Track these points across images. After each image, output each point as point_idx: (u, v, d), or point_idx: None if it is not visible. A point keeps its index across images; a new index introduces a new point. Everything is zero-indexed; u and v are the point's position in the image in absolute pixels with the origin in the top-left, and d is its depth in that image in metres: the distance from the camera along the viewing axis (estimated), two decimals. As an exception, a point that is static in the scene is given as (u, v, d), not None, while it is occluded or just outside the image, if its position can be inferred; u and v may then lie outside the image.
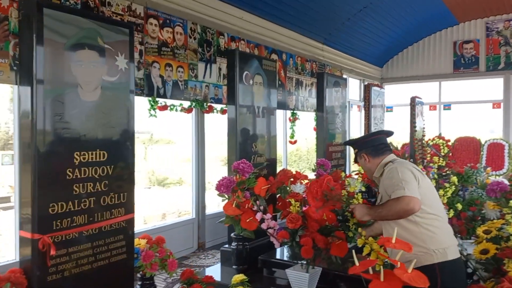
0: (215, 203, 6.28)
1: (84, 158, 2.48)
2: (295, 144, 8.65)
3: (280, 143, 7.98)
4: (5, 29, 3.58)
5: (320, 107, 5.17)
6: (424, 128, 8.82)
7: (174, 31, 5.27)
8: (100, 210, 2.60)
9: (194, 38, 5.59)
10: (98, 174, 2.57)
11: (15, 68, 3.62)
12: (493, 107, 10.60)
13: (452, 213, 3.04)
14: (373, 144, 2.65)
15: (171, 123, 6.68)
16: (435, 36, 10.98)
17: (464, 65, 10.71)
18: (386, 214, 2.34)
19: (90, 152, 2.51)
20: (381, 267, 1.93)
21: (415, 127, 8.29)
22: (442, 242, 2.36)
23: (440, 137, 8.30)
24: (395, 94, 11.84)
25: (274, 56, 7.21)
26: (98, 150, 2.56)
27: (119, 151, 2.71)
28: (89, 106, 2.50)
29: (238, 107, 3.75)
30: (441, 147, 8.22)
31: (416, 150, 8.20)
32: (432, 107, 11.19)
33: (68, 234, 2.42)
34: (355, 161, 2.82)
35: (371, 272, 1.86)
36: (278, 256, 3.80)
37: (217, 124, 5.99)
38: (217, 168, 7.32)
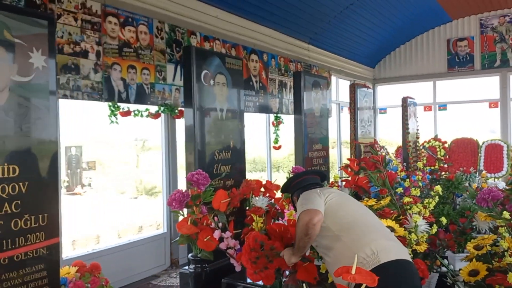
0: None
1: (-14, 174, 2.06)
2: (288, 149, 8.24)
3: (263, 148, 7.57)
4: None
5: (297, 109, 4.74)
6: (418, 129, 8.40)
7: (137, 30, 4.86)
8: (10, 236, 2.16)
9: (162, 38, 5.18)
10: (7, 193, 2.14)
11: None
12: (490, 107, 10.20)
13: (435, 228, 2.61)
14: (303, 185, 2.55)
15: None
16: (428, 34, 10.59)
17: (458, 63, 10.31)
18: (299, 239, 2.23)
19: (-7, 167, 2.09)
20: None
21: (407, 129, 7.87)
22: (369, 244, 1.99)
23: (436, 138, 7.89)
24: (389, 95, 11.45)
25: (254, 57, 6.80)
26: (6, 164, 2.13)
27: (37, 164, 2.29)
28: (-9, 112, 2.08)
29: (195, 110, 3.32)
30: (438, 149, 7.80)
31: (409, 153, 7.77)
32: (427, 107, 10.78)
33: (-36, 267, 1.99)
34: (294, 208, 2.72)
35: None
36: (245, 278, 3.36)
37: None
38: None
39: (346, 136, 9.77)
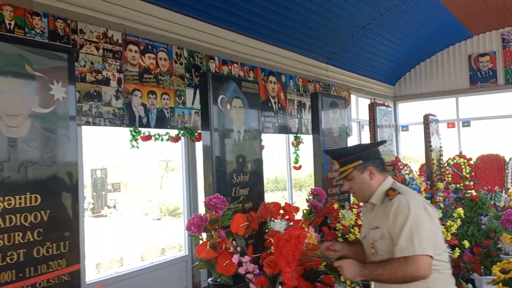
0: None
1: (9, 204, 2.13)
2: (310, 168, 8.18)
3: (283, 169, 7.55)
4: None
5: (315, 129, 4.74)
6: (441, 147, 8.24)
7: (157, 56, 4.99)
8: (33, 263, 2.22)
9: (181, 63, 5.29)
10: (29, 221, 2.21)
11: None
12: (515, 122, 9.96)
13: (457, 252, 2.54)
14: (378, 156, 2.12)
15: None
16: (449, 51, 10.49)
17: (481, 79, 10.14)
18: (388, 279, 1.85)
19: (17, 197, 2.16)
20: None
21: (430, 146, 7.74)
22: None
23: (460, 155, 7.72)
24: (410, 112, 11.32)
25: (272, 79, 6.86)
26: (28, 193, 2.21)
27: (58, 193, 2.35)
28: (14, 143, 2.16)
29: (213, 134, 3.36)
30: (463, 166, 7.62)
31: (433, 171, 7.62)
32: (450, 124, 10.59)
33: (-12, 295, 2.05)
34: (343, 176, 2.12)
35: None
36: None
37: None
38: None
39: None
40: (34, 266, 2.23)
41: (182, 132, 5.21)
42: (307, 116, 7.65)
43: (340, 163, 2.09)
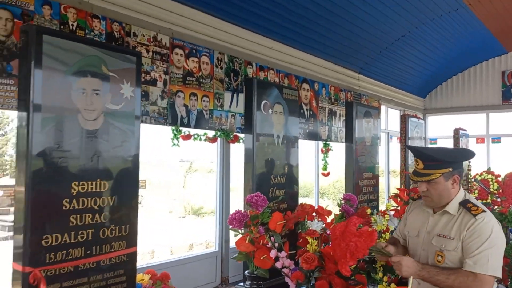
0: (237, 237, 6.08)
1: (82, 189, 2.40)
2: (335, 176, 8.33)
3: (311, 175, 7.72)
4: (29, 59, 3.67)
5: (349, 138, 4.92)
6: (469, 162, 8.26)
7: (200, 60, 5.27)
8: (99, 243, 2.49)
9: (221, 68, 5.56)
10: (98, 205, 2.47)
11: (37, 97, 3.67)
12: (547, 141, 9.87)
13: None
14: (462, 165, 2.09)
15: (210, 152, 6.63)
16: (482, 66, 10.48)
17: (514, 96, 10.11)
18: (446, 285, 1.92)
19: (89, 182, 2.43)
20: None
21: (459, 160, 7.76)
22: None
23: (489, 171, 7.73)
24: (439, 125, 11.32)
25: (305, 86, 7.07)
26: (98, 180, 2.47)
27: (123, 181, 2.62)
28: (90, 135, 2.44)
29: (255, 137, 3.59)
30: (490, 182, 7.64)
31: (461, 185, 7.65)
32: (480, 139, 10.56)
33: (63, 267, 2.32)
34: (429, 179, 2.03)
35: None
36: (296, 297, 3.52)
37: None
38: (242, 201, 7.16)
39: (394, 165, 9.74)
40: (100, 246, 2.50)
41: (219, 133, 5.47)
42: (337, 124, 7.82)
43: (426, 164, 2.01)
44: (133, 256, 2.69)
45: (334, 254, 1.95)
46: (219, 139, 5.58)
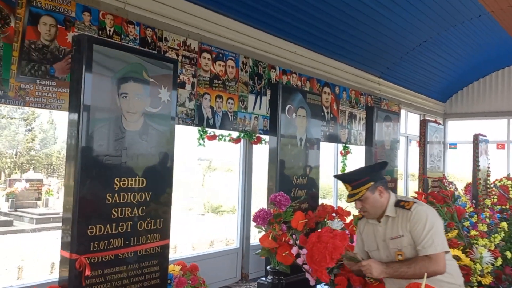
0: (259, 235, 6.26)
1: (123, 184, 2.63)
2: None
3: (330, 177, 7.86)
4: (68, 62, 3.92)
5: (369, 141, 5.07)
6: (489, 167, 8.28)
7: (226, 64, 5.48)
8: (136, 234, 2.71)
9: (246, 71, 5.77)
10: (137, 199, 2.70)
11: (76, 97, 3.94)
12: None
13: (500, 261, 2.82)
14: (383, 176, 2.40)
15: (229, 151, 6.78)
16: (503, 72, 10.45)
17: (536, 102, 10.06)
18: (413, 275, 2.15)
19: (130, 179, 2.66)
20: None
21: (478, 166, 7.82)
22: (461, 278, 2.33)
23: (508, 177, 7.75)
24: (460, 130, 11.32)
25: (326, 89, 7.22)
26: (137, 176, 2.70)
27: (159, 179, 2.84)
28: (131, 135, 2.66)
29: (279, 139, 3.78)
30: (510, 188, 7.65)
31: (479, 190, 7.71)
32: (500, 145, 10.52)
33: (105, 256, 2.54)
34: (358, 197, 2.30)
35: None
36: (315, 293, 3.70)
37: (265, 156, 6.05)
38: (263, 200, 7.35)
39: (412, 169, 9.80)
40: (137, 237, 2.72)
41: (242, 134, 5.68)
42: (357, 127, 7.95)
43: (352, 186, 2.29)
44: (166, 248, 2.91)
45: (312, 261, 2.10)
46: (242, 140, 5.78)
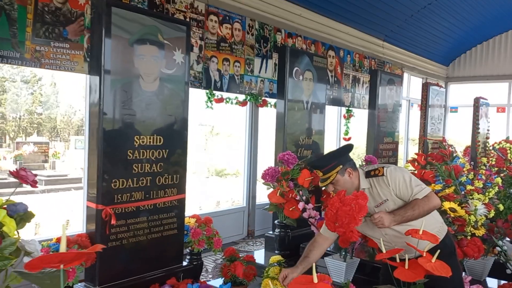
0: (264, 194, 6.51)
1: (143, 142, 2.80)
2: (356, 142, 8.63)
3: (333, 139, 8.03)
4: (80, 24, 4.02)
5: (372, 104, 5.21)
6: (488, 130, 8.45)
7: (233, 27, 5.54)
8: (155, 188, 2.90)
9: (252, 34, 5.83)
10: (155, 156, 2.87)
11: (88, 59, 4.05)
12: None
13: (492, 213, 3.03)
14: (350, 158, 2.55)
15: (231, 116, 6.89)
16: (507, 35, 10.41)
17: (538, 65, 10.09)
18: (419, 214, 2.35)
19: (148, 136, 2.82)
20: (406, 255, 2.04)
21: (478, 128, 7.97)
22: (442, 222, 2.58)
23: (507, 140, 7.92)
24: (461, 94, 11.39)
25: (331, 53, 7.28)
26: (155, 135, 2.86)
27: (174, 137, 3.00)
28: (149, 95, 2.81)
29: (286, 102, 3.92)
30: (508, 151, 7.84)
31: (478, 152, 7.90)
32: (501, 109, 10.63)
33: (127, 207, 2.75)
34: (329, 181, 2.45)
35: (397, 260, 1.97)
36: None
37: (271, 119, 6.21)
38: (268, 161, 7.52)
39: (413, 133, 9.96)
40: (156, 191, 2.92)
41: (248, 97, 5.81)
42: (360, 91, 8.05)
43: (323, 171, 2.44)
44: (182, 202, 3.12)
45: (339, 225, 2.18)
46: (248, 103, 5.92)
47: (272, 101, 6.11)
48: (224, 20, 5.44)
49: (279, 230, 3.87)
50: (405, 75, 9.54)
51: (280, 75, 3.97)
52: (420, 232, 2.08)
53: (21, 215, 1.92)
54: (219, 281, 2.96)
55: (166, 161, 2.94)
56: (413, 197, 2.36)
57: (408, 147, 10.17)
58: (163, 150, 2.92)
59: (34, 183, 1.91)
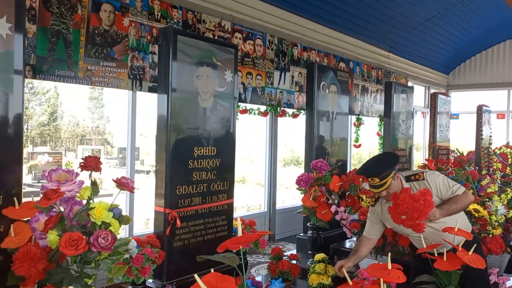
0: (280, 200, 6.88)
1: (200, 152, 3.14)
2: (365, 149, 8.99)
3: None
4: (125, 45, 4.37)
5: (387, 113, 5.58)
6: (491, 136, 8.86)
7: (255, 43, 5.91)
8: (210, 194, 3.24)
9: (272, 49, 6.20)
10: (210, 165, 3.21)
11: (131, 76, 4.40)
12: None
13: (511, 213, 3.39)
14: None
15: (252, 126, 7.24)
16: (505, 44, 10.87)
17: (535, 73, 10.53)
18: (461, 207, 2.69)
19: (204, 147, 3.16)
20: (444, 249, 2.38)
21: (481, 135, 8.38)
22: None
23: (508, 146, 8.32)
24: (462, 101, 11.81)
25: (342, 64, 7.67)
26: (210, 146, 3.20)
27: (225, 147, 3.35)
28: (205, 111, 3.15)
29: (315, 113, 4.28)
30: (509, 156, 8.24)
31: (482, 158, 8.30)
32: (500, 115, 11.05)
33: (188, 211, 3.08)
34: (386, 186, 2.62)
35: (435, 254, 2.31)
36: (348, 245, 4.29)
37: (283, 127, 6.57)
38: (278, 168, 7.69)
39: (417, 139, 10.34)
40: (210, 196, 3.24)
41: (269, 108, 6.17)
42: (369, 99, 8.44)
43: (380, 178, 2.60)
44: (231, 206, 3.45)
45: (410, 217, 2.46)
46: (269, 113, 6.27)
47: (289, 111, 6.48)
48: (247, 37, 5.81)
49: (311, 231, 4.20)
50: (409, 84, 9.94)
51: (309, 88, 4.33)
52: (456, 229, 2.43)
53: (120, 218, 2.25)
54: (258, 278, 3.27)
55: (219, 169, 3.28)
56: (454, 194, 2.69)
57: (412, 154, 10.55)
58: (216, 159, 3.26)
59: (132, 189, 2.24)
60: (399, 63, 9.43)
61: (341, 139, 4.77)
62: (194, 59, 3.05)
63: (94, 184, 2.05)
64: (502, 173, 7.33)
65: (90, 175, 2.05)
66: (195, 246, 3.15)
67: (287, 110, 6.39)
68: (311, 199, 4.02)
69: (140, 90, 4.49)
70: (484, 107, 8.56)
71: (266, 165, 6.46)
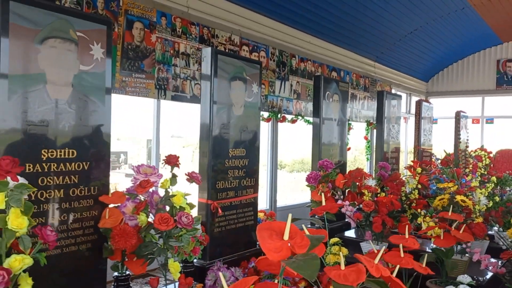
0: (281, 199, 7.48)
1: (234, 153, 3.69)
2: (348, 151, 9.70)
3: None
4: (153, 58, 4.89)
5: (379, 120, 6.24)
6: (467, 140, 9.69)
7: (259, 55, 6.50)
8: (240, 188, 3.80)
9: (273, 60, 6.80)
10: (240, 164, 3.77)
11: (157, 87, 4.92)
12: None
13: (491, 203, 4.07)
14: None
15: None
16: (479, 54, 11.77)
17: (507, 82, 11.45)
18: None
19: (236, 149, 3.72)
20: (441, 230, 3.03)
21: (459, 139, 9.19)
22: None
23: (482, 149, 9.14)
24: (440, 107, 12.66)
25: (333, 73, 8.33)
26: (240, 147, 3.77)
27: (251, 149, 3.91)
28: (236, 119, 3.72)
29: (321, 119, 4.89)
30: (483, 158, 9.05)
31: (460, 159, 9.11)
32: (475, 120, 11.94)
33: (225, 202, 3.63)
34: None
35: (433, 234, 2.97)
36: (347, 234, 4.90)
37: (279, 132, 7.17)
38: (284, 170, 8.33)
39: (401, 142, 11.11)
40: (241, 190, 3.79)
41: (271, 114, 6.76)
42: (357, 106, 9.13)
43: None
44: (256, 199, 4.01)
45: None
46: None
47: (289, 117, 7.09)
48: (253, 49, 6.39)
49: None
50: (392, 91, 10.71)
51: (316, 98, 4.93)
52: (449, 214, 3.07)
53: (189, 204, 2.79)
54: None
55: (247, 168, 3.84)
56: None
57: (401, 154, 11.31)
58: (245, 160, 3.82)
59: (200, 182, 2.79)
60: (384, 72, 10.18)
61: (341, 142, 5.40)
62: (229, 75, 3.61)
63: (174, 176, 2.59)
64: (479, 173, 8.09)
65: (172, 169, 2.58)
66: (230, 232, 3.69)
67: (287, 116, 6.99)
68: (319, 194, 4.63)
69: (164, 98, 5.02)
70: (462, 113, 9.39)
71: (268, 168, 7.04)
